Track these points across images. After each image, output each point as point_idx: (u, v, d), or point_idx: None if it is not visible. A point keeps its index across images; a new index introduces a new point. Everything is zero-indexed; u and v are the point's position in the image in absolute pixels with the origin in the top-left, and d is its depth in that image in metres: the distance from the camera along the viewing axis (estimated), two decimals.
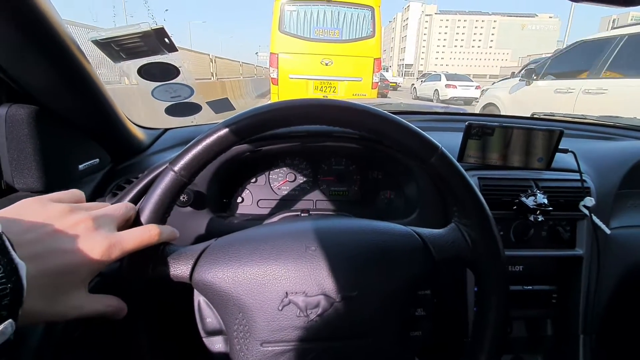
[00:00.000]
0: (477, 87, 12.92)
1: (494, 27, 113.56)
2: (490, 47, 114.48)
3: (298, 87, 4.74)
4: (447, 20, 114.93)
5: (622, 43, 2.99)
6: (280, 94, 4.78)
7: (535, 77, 3.76)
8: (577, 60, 3.40)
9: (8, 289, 0.23)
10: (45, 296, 0.27)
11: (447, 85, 13.11)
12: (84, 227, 0.30)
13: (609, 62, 3.04)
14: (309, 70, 4.70)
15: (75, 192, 0.34)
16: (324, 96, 4.64)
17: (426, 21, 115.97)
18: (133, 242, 0.33)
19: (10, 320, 0.23)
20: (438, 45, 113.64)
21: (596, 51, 3.20)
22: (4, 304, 0.22)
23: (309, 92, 4.73)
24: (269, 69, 4.96)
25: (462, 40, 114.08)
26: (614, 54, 3.02)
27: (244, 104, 8.90)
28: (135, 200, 0.59)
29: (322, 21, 4.66)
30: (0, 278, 0.22)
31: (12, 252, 0.24)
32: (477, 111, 5.36)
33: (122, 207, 0.35)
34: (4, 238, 0.24)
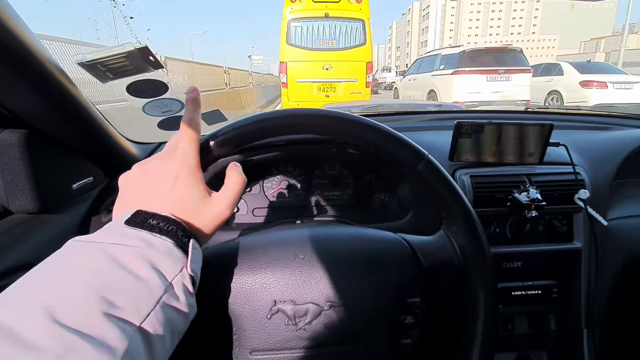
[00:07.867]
0: None
1: (536, 9, 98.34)
2: (533, 32, 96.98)
3: (304, 89, 5.64)
4: (478, 4, 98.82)
5: (424, 59, 8.05)
6: (290, 96, 5.71)
7: (405, 75, 8.84)
8: (415, 67, 8.34)
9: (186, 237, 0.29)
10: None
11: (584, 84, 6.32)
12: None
13: (420, 67, 7.98)
14: (313, 74, 5.61)
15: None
16: (326, 95, 5.61)
17: (452, 7, 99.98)
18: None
19: (192, 240, 0.30)
20: (469, 35, 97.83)
21: (419, 63, 8.20)
22: (180, 235, 0.29)
23: (313, 93, 5.65)
24: (272, 75, 5.86)
25: (497, 27, 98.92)
26: (422, 64, 7.95)
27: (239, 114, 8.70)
28: None
29: (321, 33, 5.60)
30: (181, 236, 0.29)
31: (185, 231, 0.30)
32: (393, 91, 10.15)
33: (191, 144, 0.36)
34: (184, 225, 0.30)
